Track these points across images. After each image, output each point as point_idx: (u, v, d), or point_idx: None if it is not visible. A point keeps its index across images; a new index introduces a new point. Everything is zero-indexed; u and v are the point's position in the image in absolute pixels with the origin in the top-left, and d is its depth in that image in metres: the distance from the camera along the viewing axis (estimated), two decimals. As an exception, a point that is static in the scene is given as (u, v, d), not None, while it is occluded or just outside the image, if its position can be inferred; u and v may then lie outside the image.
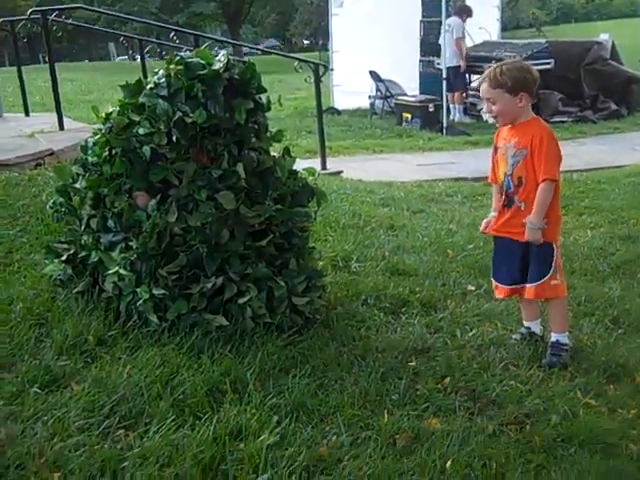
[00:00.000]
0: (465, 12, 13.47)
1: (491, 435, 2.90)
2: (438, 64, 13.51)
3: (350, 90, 15.11)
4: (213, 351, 3.42)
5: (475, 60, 13.70)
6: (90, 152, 3.89)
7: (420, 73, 14.49)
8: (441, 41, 13.28)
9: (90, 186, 3.83)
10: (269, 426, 2.84)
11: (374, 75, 14.39)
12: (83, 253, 3.91)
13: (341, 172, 8.72)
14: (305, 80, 8.99)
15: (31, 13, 8.55)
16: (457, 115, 13.74)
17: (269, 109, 3.89)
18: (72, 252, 3.97)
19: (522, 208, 3.57)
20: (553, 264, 3.58)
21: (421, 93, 14.11)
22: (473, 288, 4.49)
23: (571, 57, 12.97)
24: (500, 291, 3.81)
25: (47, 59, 8.71)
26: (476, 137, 11.93)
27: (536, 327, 3.83)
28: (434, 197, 7.34)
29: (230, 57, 3.73)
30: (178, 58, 3.70)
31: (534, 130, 3.51)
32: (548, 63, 12.18)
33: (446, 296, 4.35)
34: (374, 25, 14.40)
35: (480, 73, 14.10)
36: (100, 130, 3.87)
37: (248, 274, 3.66)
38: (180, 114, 3.56)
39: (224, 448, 2.71)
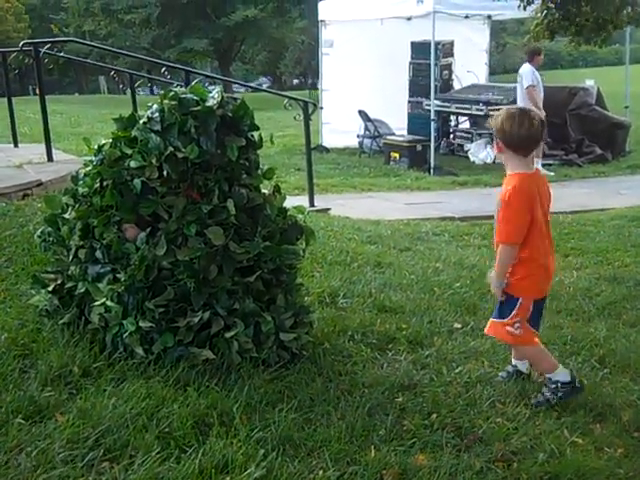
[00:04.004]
0: (534, 53, 12.22)
1: (478, 472, 2.89)
2: (427, 105, 13.66)
3: (339, 129, 15.25)
4: (199, 384, 3.40)
5: (462, 102, 13.89)
6: (81, 183, 3.90)
7: (408, 114, 14.64)
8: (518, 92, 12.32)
9: (79, 217, 3.83)
10: (255, 460, 2.83)
11: (363, 115, 14.53)
12: (70, 284, 3.88)
13: (329, 209, 8.76)
14: (294, 118, 9.06)
15: (23, 45, 8.61)
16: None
17: (261, 146, 3.92)
18: (59, 283, 3.94)
19: None
20: (512, 313, 3.56)
21: (409, 133, 14.26)
22: (459, 326, 4.50)
23: (557, 102, 13.15)
24: None
25: (37, 91, 8.74)
26: (464, 177, 12.03)
27: (523, 366, 3.83)
28: (421, 236, 7.36)
29: (224, 94, 3.77)
30: (172, 93, 3.72)
31: (508, 185, 3.47)
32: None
33: (432, 333, 4.35)
34: (364, 65, 14.59)
35: (467, 115, 14.32)
36: (91, 162, 3.88)
37: (235, 309, 3.66)
38: (172, 149, 3.58)
39: (210, 481, 2.69)
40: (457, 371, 3.83)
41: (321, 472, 2.82)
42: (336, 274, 5.32)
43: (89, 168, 3.87)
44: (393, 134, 14.42)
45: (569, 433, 3.24)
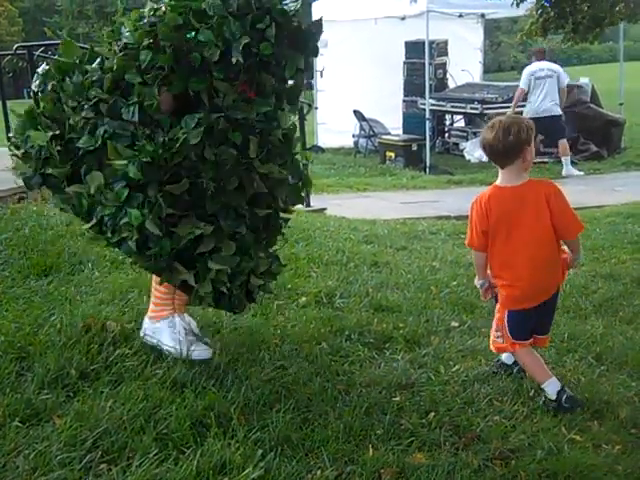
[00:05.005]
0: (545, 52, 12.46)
1: (476, 470, 2.89)
2: (422, 104, 13.67)
3: (334, 129, 15.27)
4: (196, 385, 3.39)
5: (457, 101, 13.90)
6: (127, 35, 3.48)
7: (403, 113, 14.66)
8: (546, 88, 11.84)
9: (117, 68, 3.42)
10: (253, 460, 2.82)
11: (358, 114, 14.55)
12: (73, 134, 3.49)
13: (325, 209, 8.76)
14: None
15: (17, 48, 8.61)
16: (567, 168, 12.05)
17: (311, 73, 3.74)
18: (57, 133, 3.53)
19: None
20: (496, 323, 3.68)
21: (404, 133, 14.27)
22: (457, 324, 4.50)
23: (552, 99, 13.17)
24: None
25: (31, 94, 8.72)
26: (459, 176, 12.04)
27: (507, 359, 3.85)
28: (417, 235, 7.36)
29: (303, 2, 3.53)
30: None
31: None
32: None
33: (430, 332, 4.35)
34: (358, 65, 14.61)
35: (462, 114, 14.33)
36: (137, 20, 3.48)
37: (239, 233, 3.46)
38: (248, 40, 3.30)
39: (208, 482, 2.69)
40: (454, 370, 3.83)
41: (319, 472, 2.82)
42: (333, 274, 5.32)
43: (134, 19, 3.48)
44: (388, 133, 14.45)
45: (567, 430, 3.24)
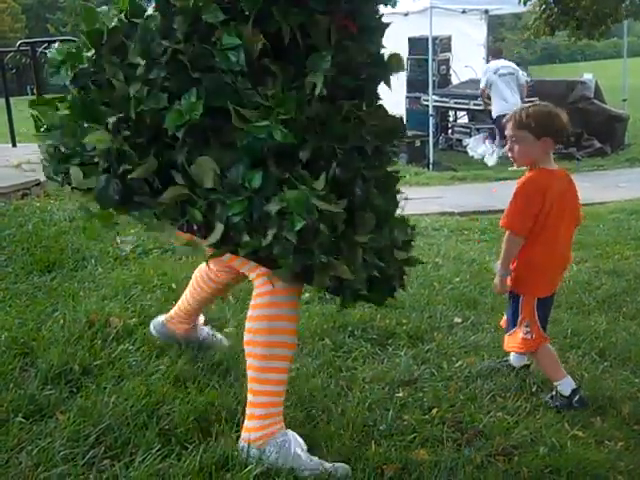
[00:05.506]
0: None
1: (479, 466, 2.88)
2: (425, 100, 13.66)
3: (337, 125, 15.22)
4: (200, 381, 3.40)
5: (460, 97, 13.89)
6: None
7: (406, 109, 14.64)
8: (510, 85, 12.24)
9: (184, 7, 2.52)
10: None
11: (361, 111, 14.54)
12: (142, 107, 2.52)
13: (328, 206, 8.74)
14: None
15: (20, 45, 8.62)
16: None
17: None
18: (121, 115, 2.55)
19: None
20: (519, 318, 3.53)
21: (407, 129, 14.26)
22: (459, 320, 4.50)
23: (555, 96, 13.10)
24: None
25: (35, 90, 8.74)
26: (463, 172, 12.02)
27: (514, 360, 3.82)
28: (420, 231, 7.34)
29: None
30: None
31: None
32: (532, 101, 12.32)
33: (433, 328, 4.35)
34: (361, 61, 14.59)
35: (465, 110, 14.32)
36: None
37: (372, 200, 2.77)
38: None
39: (211, 478, 2.68)
40: (457, 365, 3.83)
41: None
42: (336, 270, 5.31)
43: None
44: (391, 130, 14.43)
45: (570, 426, 3.23)
